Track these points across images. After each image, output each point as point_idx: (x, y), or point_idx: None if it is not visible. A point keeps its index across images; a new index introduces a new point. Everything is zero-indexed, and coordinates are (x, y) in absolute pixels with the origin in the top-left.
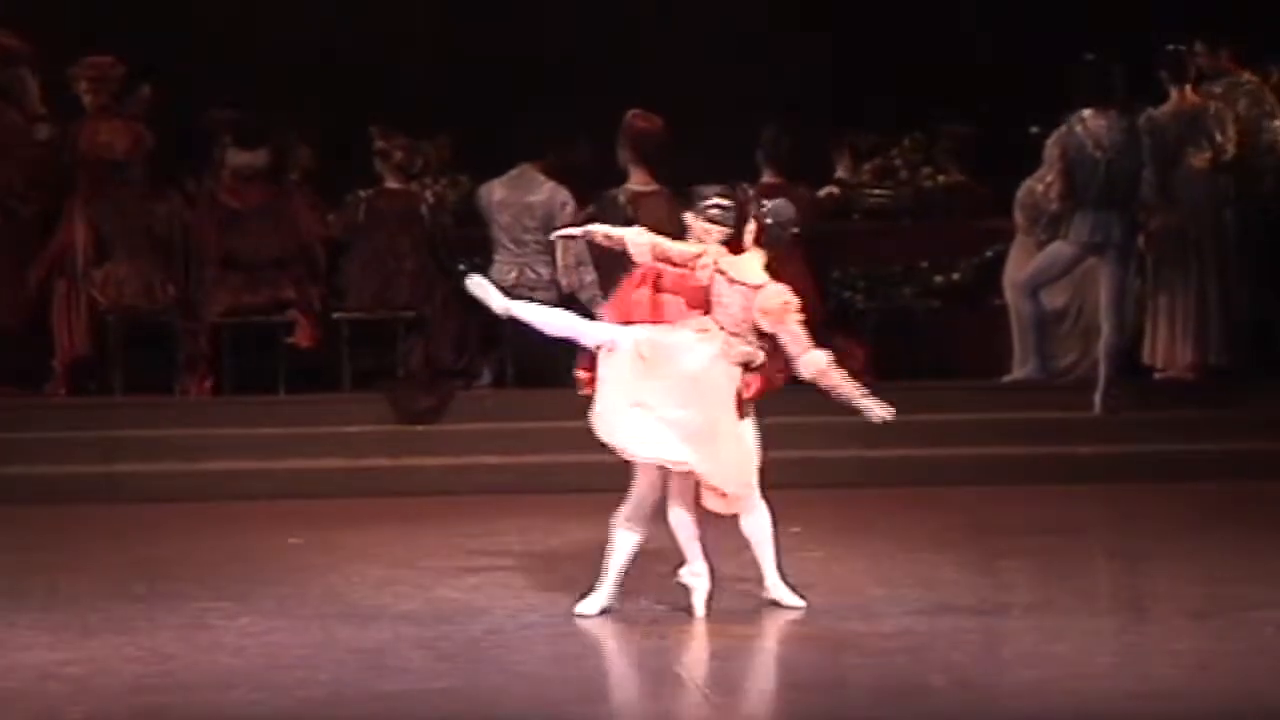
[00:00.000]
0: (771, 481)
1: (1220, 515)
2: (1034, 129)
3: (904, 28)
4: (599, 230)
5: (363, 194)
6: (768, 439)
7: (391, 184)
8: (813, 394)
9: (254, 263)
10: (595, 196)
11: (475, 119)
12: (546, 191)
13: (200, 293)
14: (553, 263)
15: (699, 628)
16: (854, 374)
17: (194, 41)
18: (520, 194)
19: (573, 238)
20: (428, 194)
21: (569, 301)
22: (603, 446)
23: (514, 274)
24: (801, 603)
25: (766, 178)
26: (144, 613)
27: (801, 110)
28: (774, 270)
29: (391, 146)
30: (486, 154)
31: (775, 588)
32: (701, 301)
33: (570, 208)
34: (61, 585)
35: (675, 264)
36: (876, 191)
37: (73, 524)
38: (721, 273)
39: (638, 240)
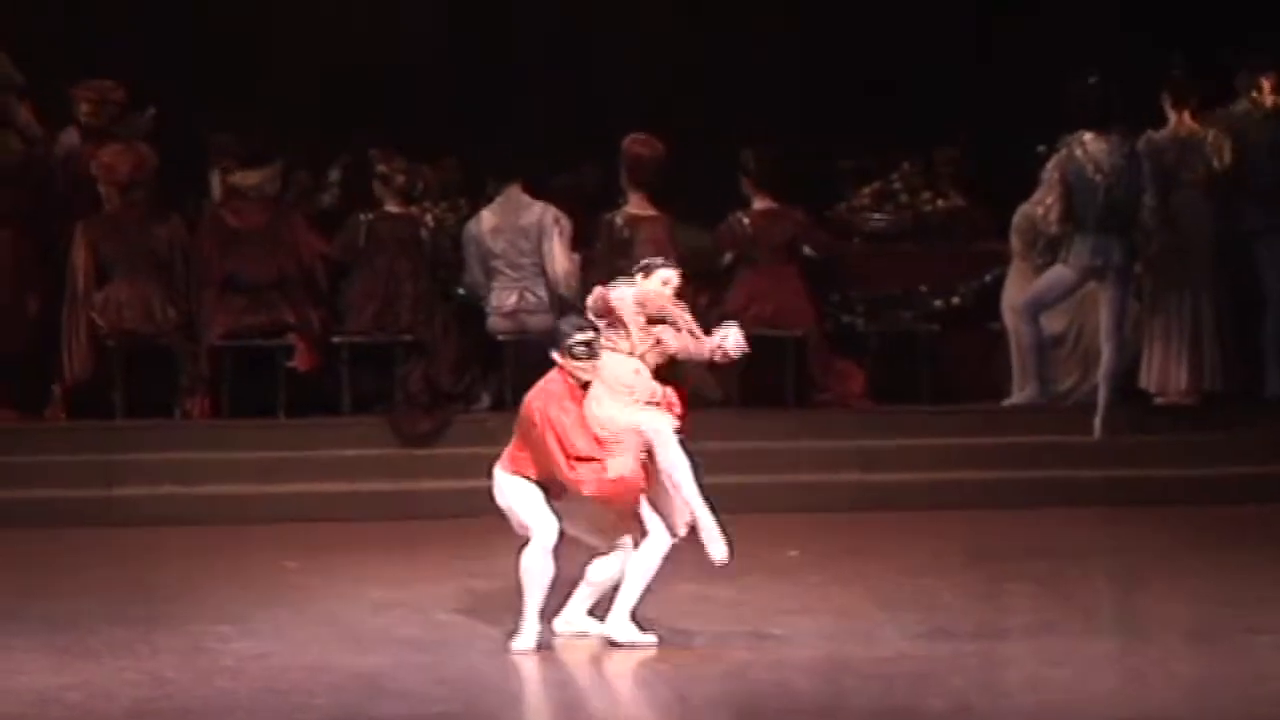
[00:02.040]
0: (770, 505)
1: (1220, 539)
2: (1040, 148)
3: (904, 51)
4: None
5: (363, 217)
6: (766, 462)
7: (391, 207)
8: (810, 419)
9: (254, 284)
10: (594, 220)
11: (482, 142)
12: (537, 211)
13: (201, 314)
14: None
15: (699, 652)
16: (853, 397)
17: (195, 65)
18: (512, 218)
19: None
20: (428, 217)
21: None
22: None
23: (513, 299)
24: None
25: (758, 203)
26: (143, 636)
27: (798, 134)
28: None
29: (392, 170)
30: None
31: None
32: None
33: (564, 222)
34: (61, 609)
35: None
36: (876, 215)
37: (72, 547)
38: None
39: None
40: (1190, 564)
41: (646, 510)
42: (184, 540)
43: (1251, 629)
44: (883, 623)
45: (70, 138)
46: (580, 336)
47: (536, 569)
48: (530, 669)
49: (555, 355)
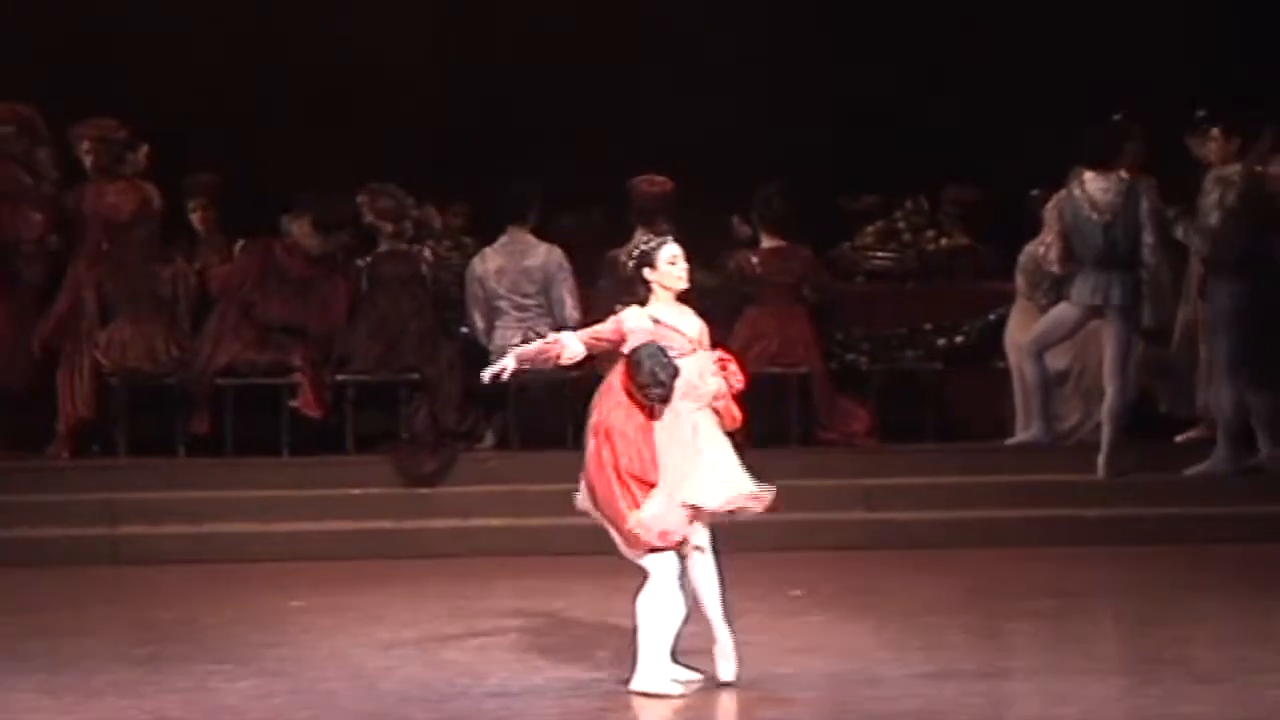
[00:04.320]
0: (774, 544)
1: (1226, 578)
2: (1034, 192)
3: (907, 91)
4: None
5: (361, 261)
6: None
7: (388, 247)
8: (814, 458)
9: (271, 324)
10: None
11: (486, 185)
12: (542, 254)
13: (210, 339)
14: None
15: (705, 691)
16: (857, 435)
17: (191, 102)
18: (516, 259)
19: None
20: (426, 252)
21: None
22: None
23: (518, 338)
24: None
25: (766, 242)
26: (147, 676)
27: (803, 174)
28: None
29: (380, 220)
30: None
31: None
32: None
33: (567, 265)
34: (65, 648)
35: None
36: (880, 254)
37: (76, 587)
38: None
39: (571, 344)
40: (1197, 603)
41: None
42: (188, 579)
43: (1259, 669)
44: (887, 662)
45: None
46: (663, 380)
47: (657, 609)
48: (532, 709)
49: (634, 390)
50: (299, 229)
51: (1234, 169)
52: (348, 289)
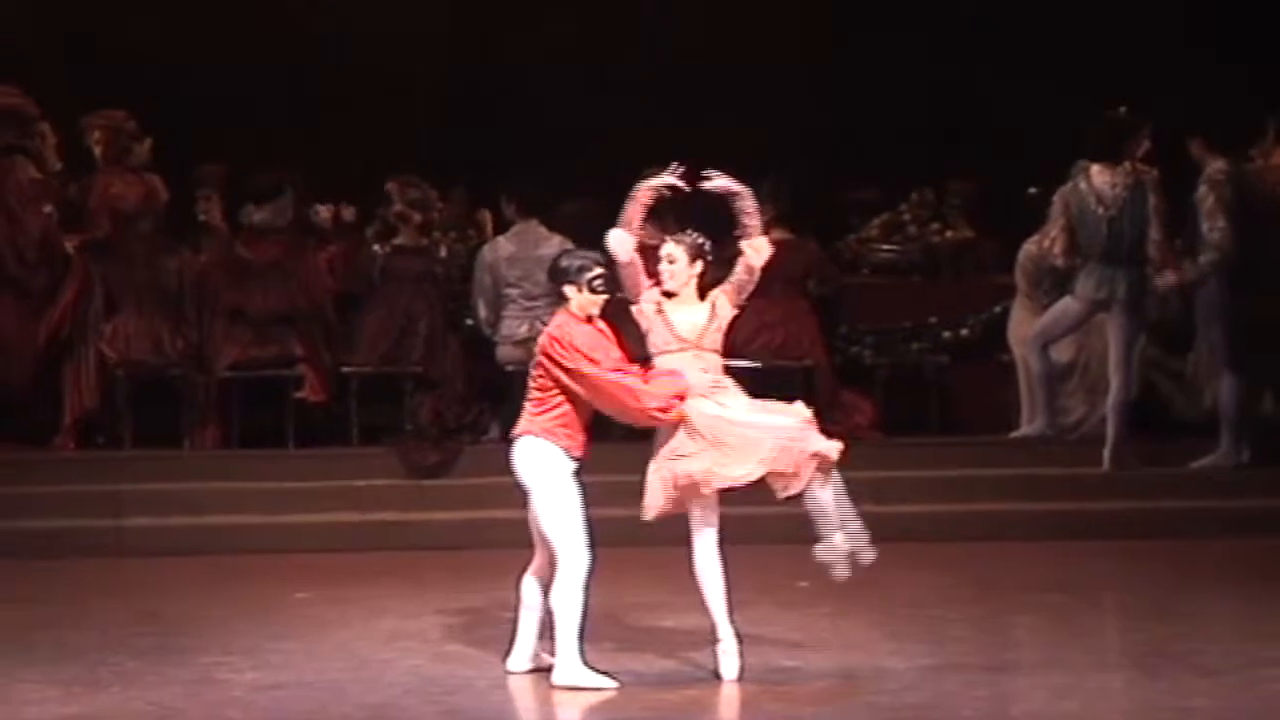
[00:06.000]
0: (779, 536)
1: (1230, 572)
2: (1032, 190)
3: (915, 84)
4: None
5: (378, 251)
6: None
7: (406, 240)
8: None
9: (262, 317)
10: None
11: (488, 175)
12: (556, 244)
13: (210, 345)
14: None
15: (709, 685)
16: (862, 428)
17: (196, 95)
18: (530, 249)
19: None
20: (442, 250)
21: None
22: (609, 502)
23: (524, 327)
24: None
25: (774, 234)
26: (152, 667)
27: (808, 167)
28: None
29: (410, 210)
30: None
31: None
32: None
33: None
34: (70, 639)
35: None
36: (885, 247)
37: (81, 578)
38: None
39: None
40: (1201, 597)
41: (558, 535)
42: (193, 571)
43: (1262, 663)
44: (892, 655)
45: None
46: (599, 270)
47: (569, 600)
48: (539, 702)
49: (568, 290)
50: (250, 211)
51: (1218, 166)
52: (327, 262)
